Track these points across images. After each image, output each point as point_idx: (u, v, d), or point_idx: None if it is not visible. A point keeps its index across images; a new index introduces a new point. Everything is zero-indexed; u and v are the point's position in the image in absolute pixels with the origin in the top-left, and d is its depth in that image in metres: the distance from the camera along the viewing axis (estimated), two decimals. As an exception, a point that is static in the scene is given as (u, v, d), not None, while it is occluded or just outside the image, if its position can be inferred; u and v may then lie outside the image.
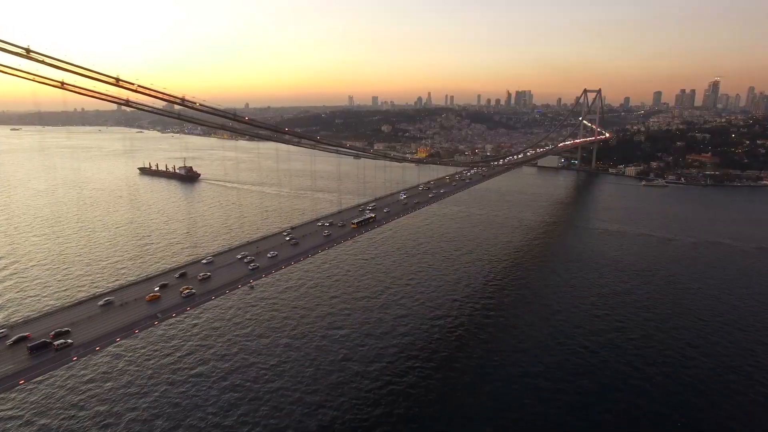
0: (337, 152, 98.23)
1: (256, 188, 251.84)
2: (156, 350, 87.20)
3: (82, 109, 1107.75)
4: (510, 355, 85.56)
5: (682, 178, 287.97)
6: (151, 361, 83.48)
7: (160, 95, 58.54)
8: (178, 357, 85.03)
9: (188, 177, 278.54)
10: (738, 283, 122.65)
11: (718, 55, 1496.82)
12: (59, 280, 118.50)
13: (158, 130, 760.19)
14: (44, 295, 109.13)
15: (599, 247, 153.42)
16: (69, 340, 54.74)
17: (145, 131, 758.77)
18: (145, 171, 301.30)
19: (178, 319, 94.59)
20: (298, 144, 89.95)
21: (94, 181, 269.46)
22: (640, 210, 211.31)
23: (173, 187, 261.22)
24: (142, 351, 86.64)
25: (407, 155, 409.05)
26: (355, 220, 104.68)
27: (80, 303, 65.21)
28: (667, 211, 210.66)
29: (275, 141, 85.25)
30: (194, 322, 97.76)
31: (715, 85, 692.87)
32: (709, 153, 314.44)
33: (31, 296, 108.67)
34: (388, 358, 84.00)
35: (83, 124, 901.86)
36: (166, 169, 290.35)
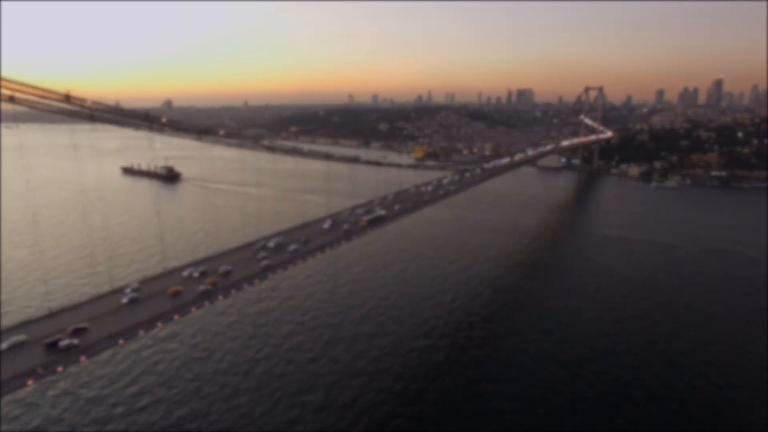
0: (298, 155, 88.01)
1: (240, 189, 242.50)
2: (100, 378, 77.38)
3: (81, 107, 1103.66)
4: (498, 395, 74.96)
5: (687, 179, 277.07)
6: (91, 393, 73.53)
7: (31, 90, 48.85)
8: (120, 388, 75.14)
9: (169, 177, 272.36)
10: (749, 298, 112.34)
11: (720, 53, 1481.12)
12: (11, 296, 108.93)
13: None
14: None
15: (601, 257, 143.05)
16: (75, 341, 53.54)
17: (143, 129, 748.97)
18: (128, 171, 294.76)
19: (129, 343, 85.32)
20: (250, 147, 79.83)
21: (76, 182, 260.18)
22: (643, 214, 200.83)
23: (153, 188, 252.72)
24: (85, 381, 76.74)
25: (403, 153, 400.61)
26: (366, 218, 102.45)
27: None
28: (671, 215, 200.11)
29: (210, 143, 75.48)
30: (148, 343, 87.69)
31: (718, 83, 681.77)
32: (716, 153, 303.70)
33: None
34: (357, 391, 74.19)
35: (80, 122, 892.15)
36: (148, 168, 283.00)
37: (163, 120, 69.19)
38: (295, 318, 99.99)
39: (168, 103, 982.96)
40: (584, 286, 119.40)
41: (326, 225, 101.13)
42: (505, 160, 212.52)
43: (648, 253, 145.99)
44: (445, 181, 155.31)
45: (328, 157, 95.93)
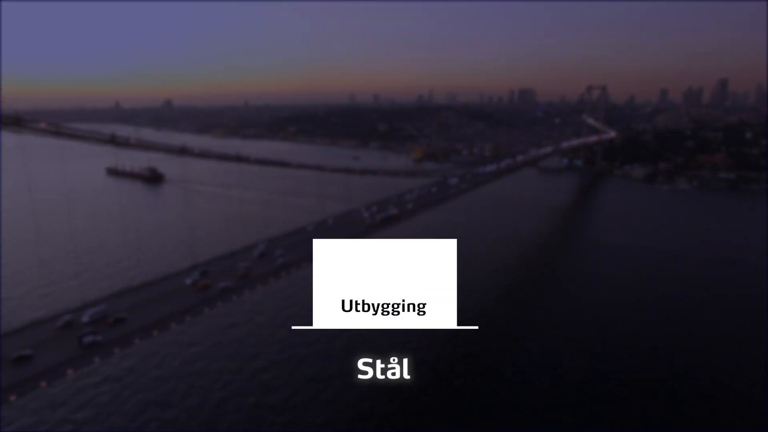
0: (237, 160, 78.50)
1: (225, 191, 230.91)
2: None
3: (81, 107, 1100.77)
4: None
5: (694, 181, 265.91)
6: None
7: None
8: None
9: (152, 178, 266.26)
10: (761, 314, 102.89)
11: (724, 52, 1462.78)
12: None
13: (153, 128, 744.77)
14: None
15: (604, 267, 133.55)
16: (98, 337, 54.63)
17: (141, 129, 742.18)
18: (112, 172, 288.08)
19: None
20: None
21: (58, 184, 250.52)
22: (649, 219, 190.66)
23: (134, 190, 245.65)
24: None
25: (401, 154, 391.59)
26: (378, 216, 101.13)
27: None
28: (678, 220, 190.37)
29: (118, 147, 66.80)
30: (88, 381, 76.23)
31: (723, 83, 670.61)
32: (723, 154, 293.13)
33: None
34: None
35: (80, 122, 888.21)
36: (132, 170, 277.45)
37: (43, 125, 57.38)
38: (268, 347, 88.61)
39: (168, 103, 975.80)
40: (587, 303, 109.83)
41: (188, 281, 73.18)
42: (492, 167, 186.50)
43: (655, 263, 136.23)
44: (409, 196, 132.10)
45: (284, 165, 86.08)
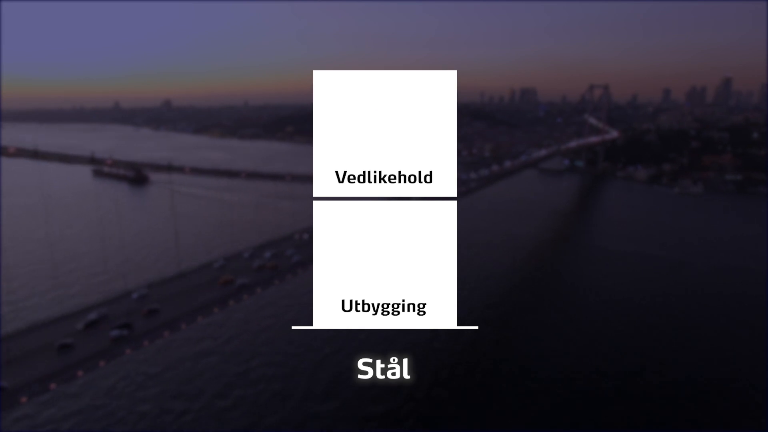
0: (168, 170, 73.73)
1: (214, 194, 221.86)
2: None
3: (81, 106, 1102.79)
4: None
5: (700, 183, 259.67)
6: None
7: None
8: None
9: (136, 179, 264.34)
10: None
11: (727, 51, 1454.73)
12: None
13: (151, 128, 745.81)
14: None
15: (605, 277, 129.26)
16: (125, 332, 56.66)
17: (140, 129, 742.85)
18: (98, 173, 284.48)
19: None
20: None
21: (43, 186, 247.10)
22: (651, 224, 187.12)
23: (114, 192, 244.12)
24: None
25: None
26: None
27: None
28: (683, 224, 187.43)
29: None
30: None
31: (727, 82, 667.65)
32: (729, 154, 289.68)
33: None
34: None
35: (79, 122, 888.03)
36: (117, 171, 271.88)
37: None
38: (235, 367, 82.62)
39: (167, 103, 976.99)
40: (586, 307, 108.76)
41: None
42: (475, 175, 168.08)
43: (657, 272, 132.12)
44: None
45: (231, 175, 79.54)
